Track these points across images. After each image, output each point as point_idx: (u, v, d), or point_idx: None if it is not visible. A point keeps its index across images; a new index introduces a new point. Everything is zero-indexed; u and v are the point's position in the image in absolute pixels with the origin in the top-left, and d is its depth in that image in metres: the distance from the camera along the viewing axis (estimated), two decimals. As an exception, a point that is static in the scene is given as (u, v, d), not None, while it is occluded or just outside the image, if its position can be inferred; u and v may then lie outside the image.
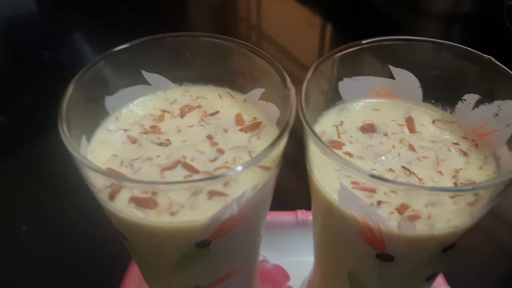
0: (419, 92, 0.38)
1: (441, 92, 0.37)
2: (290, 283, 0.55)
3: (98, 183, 0.30)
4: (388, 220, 0.30)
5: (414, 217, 0.30)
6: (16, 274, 0.52)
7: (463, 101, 0.36)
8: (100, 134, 0.35)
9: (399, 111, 0.38)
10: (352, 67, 0.37)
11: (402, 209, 0.31)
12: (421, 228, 0.30)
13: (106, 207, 0.31)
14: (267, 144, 0.30)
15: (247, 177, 0.31)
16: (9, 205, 0.59)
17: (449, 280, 0.49)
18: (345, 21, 0.95)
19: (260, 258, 0.57)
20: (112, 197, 0.31)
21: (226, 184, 0.31)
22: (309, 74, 0.33)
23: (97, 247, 0.53)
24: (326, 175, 0.32)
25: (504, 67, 0.33)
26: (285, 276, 0.56)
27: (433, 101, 0.38)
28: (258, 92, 0.36)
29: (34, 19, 0.95)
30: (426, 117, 0.37)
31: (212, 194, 0.31)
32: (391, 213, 0.31)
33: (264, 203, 0.34)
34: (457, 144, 0.35)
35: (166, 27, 0.87)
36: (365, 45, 0.36)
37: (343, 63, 0.36)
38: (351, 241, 0.34)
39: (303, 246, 0.52)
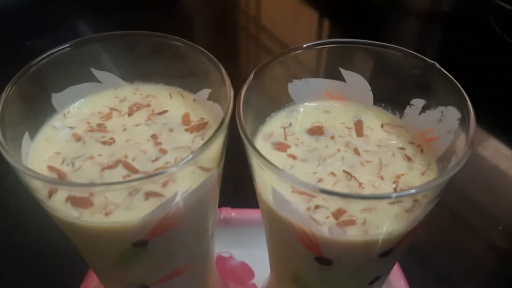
0: (369, 95, 0.38)
1: (390, 96, 0.37)
2: (255, 280, 0.55)
3: (34, 184, 0.31)
4: (321, 225, 0.30)
5: (349, 222, 0.31)
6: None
7: (411, 105, 0.36)
8: (45, 131, 0.35)
9: (349, 114, 0.38)
10: (302, 69, 0.37)
11: (338, 214, 0.31)
12: (353, 234, 0.30)
13: (43, 205, 0.31)
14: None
15: (184, 177, 0.31)
16: None
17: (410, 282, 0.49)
18: (341, 16, 0.96)
19: (226, 255, 0.58)
20: (50, 195, 0.31)
21: (164, 185, 0.31)
22: (251, 77, 0.33)
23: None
24: (263, 179, 0.32)
25: (446, 73, 0.33)
26: (250, 274, 0.56)
27: (383, 104, 0.38)
28: (206, 92, 0.36)
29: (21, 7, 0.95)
30: (375, 120, 0.37)
31: (148, 195, 0.31)
32: (327, 217, 0.31)
33: (205, 203, 0.34)
34: (402, 149, 0.35)
35: (160, 19, 0.88)
36: (313, 48, 0.36)
37: (292, 65, 0.36)
38: (291, 244, 0.34)
39: (268, 244, 0.52)
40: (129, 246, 0.32)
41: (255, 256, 0.55)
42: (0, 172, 0.31)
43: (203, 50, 0.34)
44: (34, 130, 0.35)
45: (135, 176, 0.32)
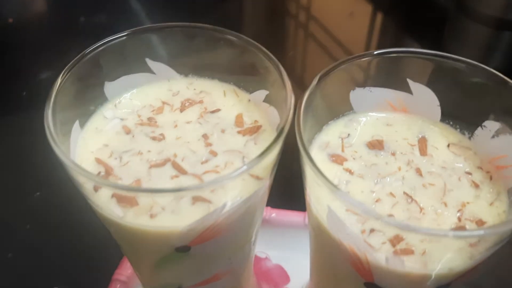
0: (437, 111, 0.35)
1: (461, 114, 0.34)
2: (289, 285, 0.54)
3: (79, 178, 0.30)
4: (376, 252, 0.28)
5: (407, 252, 0.28)
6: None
7: (483, 127, 0.33)
8: (96, 121, 0.34)
9: (413, 129, 0.35)
10: (366, 77, 0.35)
11: (395, 240, 0.29)
12: (411, 266, 0.28)
13: (88, 200, 0.30)
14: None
15: (235, 185, 0.30)
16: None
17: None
18: (396, 12, 0.92)
19: (262, 255, 0.56)
20: (96, 189, 0.30)
21: (213, 191, 0.30)
22: (315, 82, 0.31)
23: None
24: (317, 194, 0.30)
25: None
26: (285, 278, 0.54)
27: (451, 122, 0.35)
28: (262, 93, 0.35)
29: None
30: (441, 139, 0.35)
31: (196, 199, 0.29)
32: (383, 243, 0.29)
33: (252, 212, 0.33)
34: (469, 173, 0.32)
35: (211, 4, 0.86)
36: (382, 56, 0.33)
37: (356, 72, 0.34)
38: (340, 265, 0.32)
39: (307, 249, 0.51)
40: (171, 250, 0.31)
41: (291, 260, 0.54)
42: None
43: (263, 49, 0.32)
44: (84, 119, 0.34)
45: (184, 177, 0.31)
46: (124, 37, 0.33)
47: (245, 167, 0.27)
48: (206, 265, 0.34)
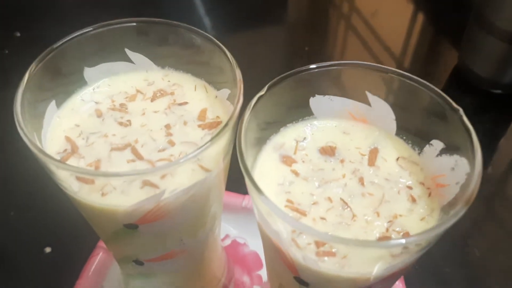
0: (393, 124, 0.36)
1: (414, 130, 0.36)
2: (261, 271, 0.57)
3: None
4: (300, 250, 0.30)
5: (328, 254, 0.30)
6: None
7: (430, 145, 0.34)
8: (73, 102, 0.38)
9: (368, 140, 0.37)
10: (326, 86, 0.36)
11: (320, 243, 0.31)
12: (326, 267, 0.30)
13: (52, 175, 0.33)
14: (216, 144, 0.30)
15: (183, 174, 0.32)
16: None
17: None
18: (437, 13, 0.94)
19: (241, 241, 0.59)
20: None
21: (162, 177, 0.32)
22: (265, 89, 0.33)
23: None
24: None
25: (468, 123, 0.31)
26: (259, 264, 0.57)
27: (405, 137, 0.36)
28: (226, 92, 0.37)
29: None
30: (392, 152, 0.36)
31: (145, 183, 0.32)
32: (309, 244, 0.31)
33: (200, 201, 0.35)
34: (410, 188, 0.34)
35: None
36: (344, 66, 0.35)
37: (316, 80, 0.36)
38: (274, 258, 0.34)
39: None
40: (120, 226, 0.34)
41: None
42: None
43: (225, 49, 0.35)
44: (62, 99, 0.37)
45: (140, 162, 0.34)
46: (106, 27, 0.36)
47: (191, 156, 0.29)
48: (157, 243, 0.37)
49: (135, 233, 0.35)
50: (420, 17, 0.96)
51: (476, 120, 0.32)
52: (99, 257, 0.51)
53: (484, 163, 0.29)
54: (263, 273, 0.56)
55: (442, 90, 0.32)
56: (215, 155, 0.32)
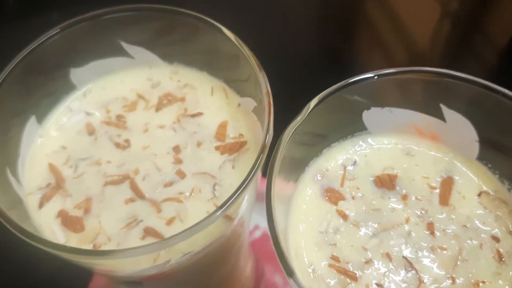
0: (475, 147, 0.27)
1: (504, 157, 0.27)
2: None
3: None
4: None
5: None
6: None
7: (529, 182, 0.25)
8: (58, 114, 0.30)
9: (439, 165, 0.28)
10: (385, 97, 0.27)
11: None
12: None
13: (31, 220, 0.26)
14: (240, 180, 0.23)
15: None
16: None
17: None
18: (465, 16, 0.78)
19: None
20: (40, 205, 0.26)
21: (169, 223, 0.25)
22: (315, 101, 0.24)
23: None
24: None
25: None
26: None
27: (490, 165, 0.27)
28: (251, 102, 0.28)
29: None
30: (472, 184, 0.27)
31: (148, 233, 0.25)
32: None
33: (223, 250, 0.28)
34: (496, 239, 0.25)
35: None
36: (409, 74, 0.26)
37: (370, 90, 0.26)
38: None
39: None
40: (121, 284, 0.27)
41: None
42: None
43: (249, 51, 0.26)
44: (44, 112, 0.29)
45: (140, 202, 0.26)
46: (92, 19, 0.28)
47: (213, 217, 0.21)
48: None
49: (137, 286, 0.28)
50: (448, 22, 0.79)
51: None
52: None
53: None
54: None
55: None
56: (242, 200, 0.24)
